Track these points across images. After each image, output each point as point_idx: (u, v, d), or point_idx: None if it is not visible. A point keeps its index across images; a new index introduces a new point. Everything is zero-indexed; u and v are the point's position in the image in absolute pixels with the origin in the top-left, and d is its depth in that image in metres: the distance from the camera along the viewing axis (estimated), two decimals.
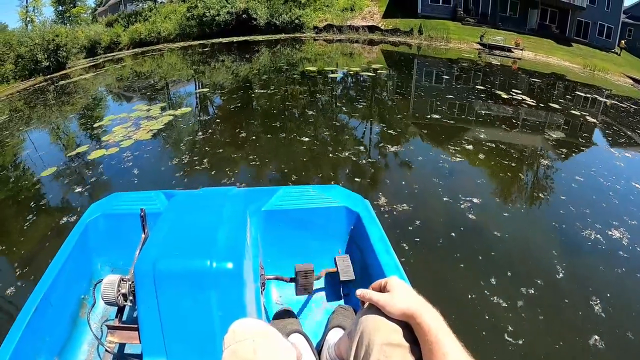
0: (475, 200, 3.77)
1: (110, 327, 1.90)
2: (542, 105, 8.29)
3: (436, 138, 5.73)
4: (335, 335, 1.69)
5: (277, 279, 2.02)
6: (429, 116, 6.62)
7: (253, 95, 8.77)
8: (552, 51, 20.09)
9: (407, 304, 1.01)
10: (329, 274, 2.07)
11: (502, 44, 18.95)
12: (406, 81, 10.77)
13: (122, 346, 2.04)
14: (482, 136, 5.64)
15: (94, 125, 7.89)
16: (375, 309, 1.09)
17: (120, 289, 1.79)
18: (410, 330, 1.00)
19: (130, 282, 1.81)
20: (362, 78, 10.54)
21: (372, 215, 2.14)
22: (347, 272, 1.96)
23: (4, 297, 3.33)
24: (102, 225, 2.43)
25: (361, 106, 7.43)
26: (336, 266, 2.02)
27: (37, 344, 1.83)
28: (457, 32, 20.42)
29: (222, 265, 1.52)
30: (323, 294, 2.21)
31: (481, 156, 4.89)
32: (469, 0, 23.46)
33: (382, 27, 20.59)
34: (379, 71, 11.39)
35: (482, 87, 9.30)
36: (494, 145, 5.31)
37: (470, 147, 5.13)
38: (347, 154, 4.81)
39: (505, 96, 8.46)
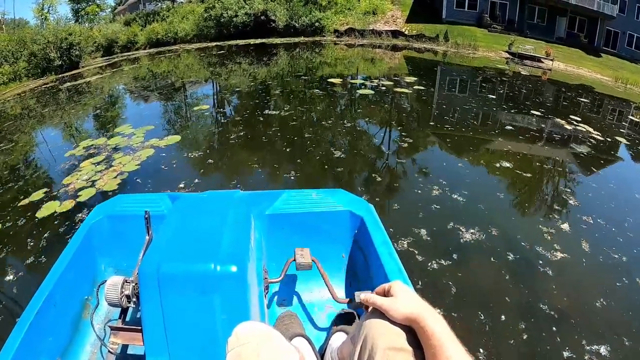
0: (602, 350, 2.19)
1: (113, 329, 1.88)
2: (609, 139, 6.46)
3: (517, 210, 3.85)
4: (338, 339, 1.64)
5: (278, 282, 1.93)
6: (498, 164, 4.69)
7: (262, 118, 6.95)
8: (582, 62, 18.06)
9: (410, 308, 0.98)
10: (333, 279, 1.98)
11: (532, 54, 16.89)
12: (445, 101, 8.65)
13: (125, 347, 2.00)
14: (571, 202, 3.87)
15: (65, 155, 6.30)
16: (379, 314, 1.06)
17: (123, 290, 1.77)
18: (414, 335, 0.97)
19: (133, 284, 1.78)
20: (397, 96, 8.45)
21: (376, 220, 2.03)
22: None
23: (8, 298, 3.15)
24: (106, 227, 2.37)
25: (406, 144, 5.53)
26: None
27: (40, 344, 1.80)
28: (484, 40, 18.41)
29: (226, 268, 1.49)
30: (326, 298, 2.01)
31: (585, 247, 3.13)
32: (496, 7, 21.39)
33: (406, 33, 18.65)
34: (415, 86, 9.27)
35: (537, 113, 7.37)
36: (591, 221, 3.52)
37: (565, 226, 3.37)
38: (405, 244, 3.03)
39: (567, 127, 6.60)
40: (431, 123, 6.86)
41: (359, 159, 5.09)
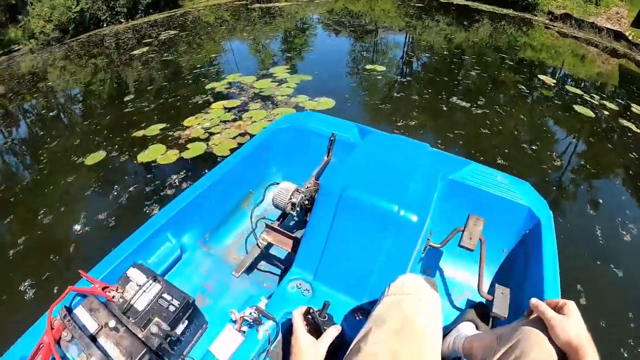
0: None
1: (268, 226, 1.98)
2: None
3: None
4: (467, 328, 1.61)
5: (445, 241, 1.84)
6: None
7: (446, 109, 5.66)
8: None
9: (578, 334, 0.93)
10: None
11: None
12: None
13: (269, 246, 2.07)
14: None
15: (206, 87, 6.05)
16: (541, 325, 1.01)
17: (292, 197, 1.88)
18: None
19: (303, 195, 1.88)
20: (627, 137, 5.78)
21: (551, 228, 1.85)
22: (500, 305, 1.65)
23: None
24: (288, 135, 2.46)
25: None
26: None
27: (197, 215, 1.99)
28: None
29: (408, 215, 1.48)
30: (469, 283, 2.01)
31: None
32: None
33: (630, 38, 15.56)
34: None
35: None
36: None
37: None
38: None
39: None
40: None
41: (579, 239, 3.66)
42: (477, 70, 7.82)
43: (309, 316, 1.45)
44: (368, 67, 7.46)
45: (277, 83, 6.17)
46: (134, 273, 1.72)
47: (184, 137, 4.64)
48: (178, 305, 1.60)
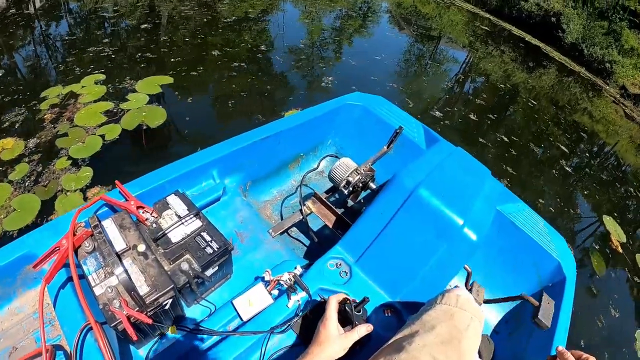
0: None
1: (317, 197, 2.11)
2: None
3: None
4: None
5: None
6: None
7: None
8: None
9: None
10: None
11: None
12: None
13: (309, 214, 2.14)
14: None
15: (42, 94, 4.74)
16: None
17: (349, 176, 2.01)
18: None
19: (359, 177, 2.02)
20: None
21: (572, 289, 1.99)
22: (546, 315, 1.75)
23: None
24: (355, 113, 2.62)
25: None
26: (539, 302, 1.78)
27: (247, 160, 2.13)
28: None
29: (470, 232, 1.60)
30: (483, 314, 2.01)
31: None
32: None
33: None
34: None
35: None
36: None
37: None
38: None
39: None
40: None
41: None
42: (522, 119, 7.39)
43: (345, 306, 1.52)
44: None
45: (108, 117, 4.23)
46: (174, 201, 1.77)
47: None
48: (217, 249, 1.66)
